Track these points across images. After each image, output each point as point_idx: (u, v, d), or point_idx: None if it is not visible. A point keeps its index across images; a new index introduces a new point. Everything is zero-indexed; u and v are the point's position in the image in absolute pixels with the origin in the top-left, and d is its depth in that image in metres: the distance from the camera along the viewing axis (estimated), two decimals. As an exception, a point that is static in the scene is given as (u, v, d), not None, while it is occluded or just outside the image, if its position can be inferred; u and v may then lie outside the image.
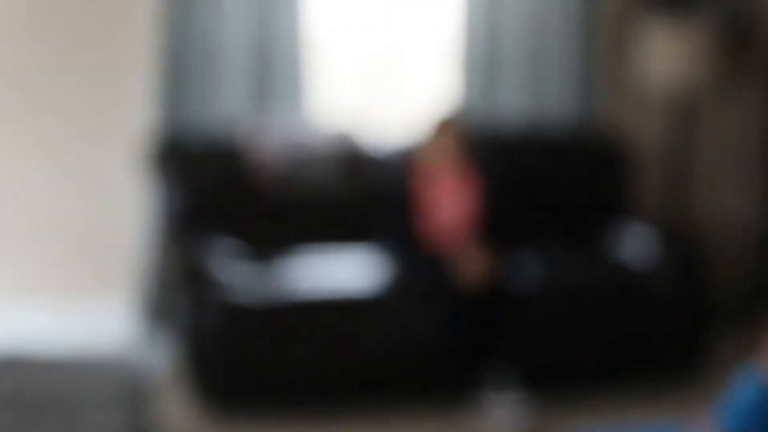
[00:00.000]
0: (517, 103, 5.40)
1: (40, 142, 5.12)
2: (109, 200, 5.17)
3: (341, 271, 4.71)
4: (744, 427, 3.20)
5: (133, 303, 5.09)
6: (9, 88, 5.08)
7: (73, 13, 5.08)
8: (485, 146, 5.15)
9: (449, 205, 4.72)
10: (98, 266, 5.19)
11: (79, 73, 5.12)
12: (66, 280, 5.18)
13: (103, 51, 5.11)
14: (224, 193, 4.93)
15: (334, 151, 4.99)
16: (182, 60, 5.07)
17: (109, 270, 5.17)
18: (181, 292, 4.53)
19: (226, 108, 5.13)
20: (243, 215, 4.93)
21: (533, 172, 5.23)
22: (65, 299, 5.15)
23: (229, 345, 4.39)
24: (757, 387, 3.24)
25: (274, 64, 5.16)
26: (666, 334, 4.76)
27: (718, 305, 5.57)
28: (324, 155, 4.97)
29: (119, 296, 5.13)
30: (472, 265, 4.51)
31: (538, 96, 5.44)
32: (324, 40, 5.28)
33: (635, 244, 4.99)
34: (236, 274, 4.56)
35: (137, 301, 5.08)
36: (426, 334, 4.53)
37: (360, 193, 4.99)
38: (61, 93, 5.11)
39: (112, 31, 5.11)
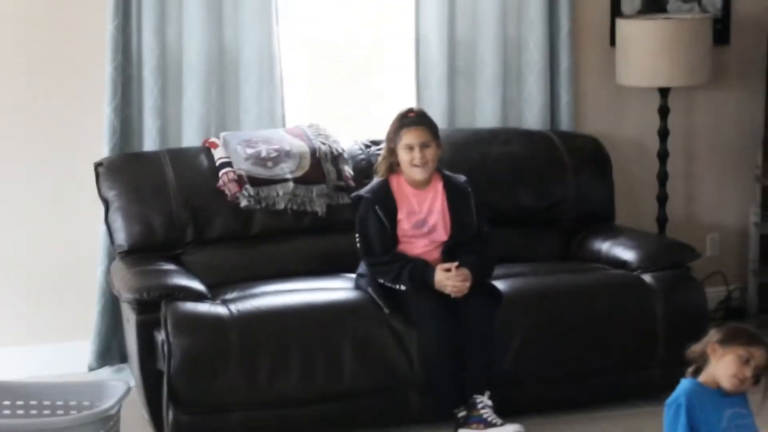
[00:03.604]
0: (491, 111, 5.31)
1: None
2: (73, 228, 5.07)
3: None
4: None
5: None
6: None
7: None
8: (463, 151, 5.05)
9: (418, 212, 4.58)
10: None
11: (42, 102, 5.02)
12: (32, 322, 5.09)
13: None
14: (190, 212, 4.76)
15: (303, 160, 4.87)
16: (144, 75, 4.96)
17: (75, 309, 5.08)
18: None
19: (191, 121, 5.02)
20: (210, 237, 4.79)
21: (514, 178, 5.11)
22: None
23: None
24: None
25: (240, 75, 5.06)
26: (661, 338, 4.63)
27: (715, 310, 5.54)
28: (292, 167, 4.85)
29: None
30: (446, 281, 4.39)
31: (511, 103, 5.36)
32: (292, 50, 5.20)
33: (624, 249, 4.89)
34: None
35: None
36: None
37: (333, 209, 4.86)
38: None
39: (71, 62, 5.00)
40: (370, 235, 4.52)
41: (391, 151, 4.58)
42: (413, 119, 4.58)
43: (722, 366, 3.51)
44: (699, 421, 3.48)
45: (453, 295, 4.39)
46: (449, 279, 4.39)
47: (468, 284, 4.39)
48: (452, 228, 4.56)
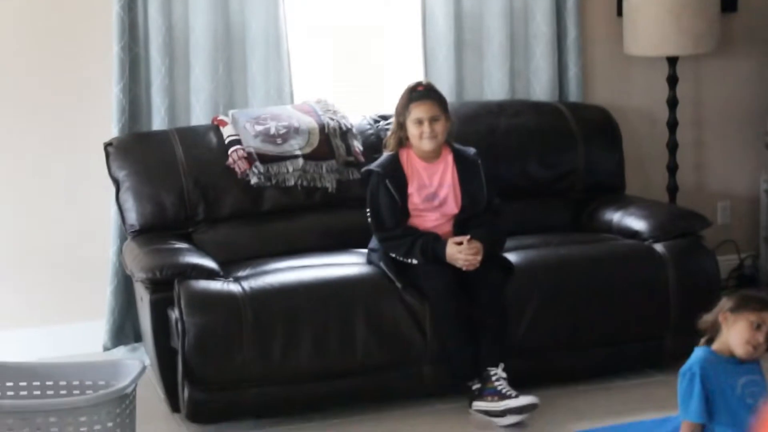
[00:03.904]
0: (499, 83, 5.31)
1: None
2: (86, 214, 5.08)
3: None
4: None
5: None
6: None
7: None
8: (472, 124, 5.04)
9: (428, 185, 4.58)
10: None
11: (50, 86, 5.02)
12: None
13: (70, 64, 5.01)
14: (202, 191, 4.76)
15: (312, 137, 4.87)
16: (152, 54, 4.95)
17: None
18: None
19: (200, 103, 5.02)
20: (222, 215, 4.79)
21: (524, 150, 5.10)
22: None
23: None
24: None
25: (247, 52, 5.05)
26: (673, 308, 4.63)
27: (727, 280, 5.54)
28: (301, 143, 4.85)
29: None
30: (457, 254, 4.39)
31: (519, 75, 5.34)
32: (299, 29, 5.18)
33: (635, 219, 4.87)
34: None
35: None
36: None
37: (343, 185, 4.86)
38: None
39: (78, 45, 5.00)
40: (381, 209, 4.52)
41: (401, 125, 4.58)
42: (422, 93, 4.57)
43: (734, 333, 3.52)
44: (713, 390, 3.49)
45: (465, 269, 4.39)
46: (461, 252, 4.39)
47: (479, 257, 4.39)
48: (463, 201, 4.56)
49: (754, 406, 3.47)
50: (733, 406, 3.49)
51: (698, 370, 3.50)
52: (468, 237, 4.41)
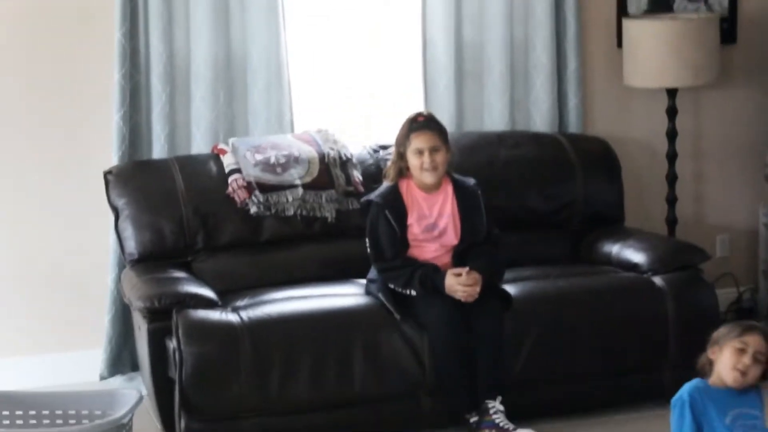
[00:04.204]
0: (499, 114, 5.31)
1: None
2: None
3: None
4: None
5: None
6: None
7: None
8: (472, 154, 5.04)
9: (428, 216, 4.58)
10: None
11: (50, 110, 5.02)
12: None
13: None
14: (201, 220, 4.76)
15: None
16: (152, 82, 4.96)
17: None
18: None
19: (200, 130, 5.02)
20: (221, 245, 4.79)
21: (523, 181, 5.10)
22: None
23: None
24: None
25: (248, 81, 5.06)
26: (672, 341, 4.62)
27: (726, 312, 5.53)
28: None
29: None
30: (456, 285, 4.38)
31: (519, 106, 5.35)
32: (300, 58, 5.20)
33: (634, 252, 4.87)
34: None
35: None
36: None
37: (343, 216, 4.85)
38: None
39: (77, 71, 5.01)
40: (380, 239, 4.51)
41: (401, 156, 4.58)
42: (422, 123, 4.57)
43: (722, 362, 3.54)
44: (702, 418, 3.50)
45: (464, 300, 4.39)
46: (459, 284, 4.38)
47: (478, 289, 4.39)
48: (462, 231, 4.56)
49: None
50: (721, 436, 3.50)
51: (687, 398, 3.52)
52: (467, 268, 4.40)
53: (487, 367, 4.35)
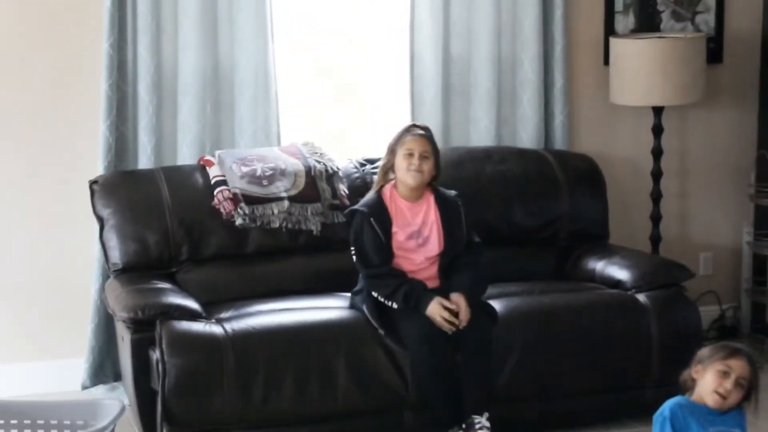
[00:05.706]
0: (485, 129, 5.32)
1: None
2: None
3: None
4: None
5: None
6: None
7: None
8: (458, 169, 5.05)
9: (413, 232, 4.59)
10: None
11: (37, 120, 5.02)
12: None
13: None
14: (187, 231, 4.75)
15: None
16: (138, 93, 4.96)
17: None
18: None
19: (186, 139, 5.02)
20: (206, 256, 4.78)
21: (509, 197, 5.11)
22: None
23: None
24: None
25: (236, 93, 5.06)
26: (655, 358, 4.63)
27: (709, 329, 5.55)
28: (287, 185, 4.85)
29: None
30: (437, 316, 4.37)
31: (505, 122, 5.37)
32: (287, 71, 5.20)
33: (619, 269, 4.89)
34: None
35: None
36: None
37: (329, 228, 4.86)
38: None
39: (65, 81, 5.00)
40: (366, 247, 4.52)
41: (392, 151, 4.58)
42: (420, 131, 4.61)
43: (704, 383, 3.55)
44: None
45: (443, 329, 4.37)
46: (442, 316, 4.35)
47: (464, 324, 4.36)
48: (445, 241, 4.57)
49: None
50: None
51: (668, 414, 3.53)
52: (461, 310, 4.37)
53: (474, 382, 4.35)
